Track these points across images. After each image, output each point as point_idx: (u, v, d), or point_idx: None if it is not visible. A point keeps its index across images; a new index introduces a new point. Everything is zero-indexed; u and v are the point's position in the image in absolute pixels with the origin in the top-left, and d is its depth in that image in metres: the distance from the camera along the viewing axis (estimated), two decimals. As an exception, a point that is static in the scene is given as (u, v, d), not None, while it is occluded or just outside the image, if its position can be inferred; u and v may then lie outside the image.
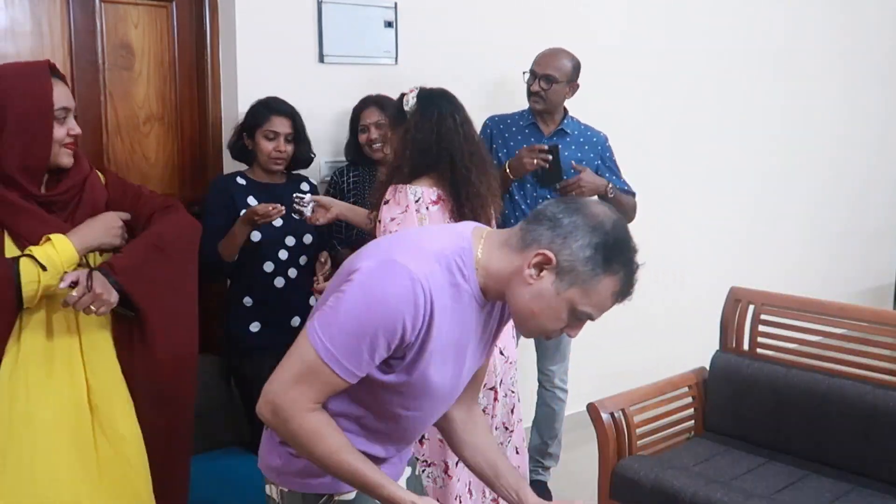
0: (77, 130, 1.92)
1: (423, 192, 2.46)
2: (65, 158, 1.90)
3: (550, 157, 3.07)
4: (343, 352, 1.41)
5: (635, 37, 4.17)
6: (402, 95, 2.55)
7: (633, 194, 3.40)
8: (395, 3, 3.29)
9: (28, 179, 1.85)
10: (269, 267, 2.81)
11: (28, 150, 1.83)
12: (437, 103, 2.50)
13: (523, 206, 3.23)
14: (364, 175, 3.08)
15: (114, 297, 1.92)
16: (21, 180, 1.84)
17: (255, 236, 2.75)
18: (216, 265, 2.75)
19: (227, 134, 3.04)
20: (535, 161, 3.06)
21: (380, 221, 2.47)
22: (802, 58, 5.09)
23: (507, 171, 3.12)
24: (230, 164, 3.03)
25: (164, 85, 2.98)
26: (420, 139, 2.47)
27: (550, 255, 1.42)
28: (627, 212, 3.28)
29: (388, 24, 3.29)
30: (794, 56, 5.03)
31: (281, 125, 2.79)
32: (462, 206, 2.46)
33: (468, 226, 1.57)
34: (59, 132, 1.87)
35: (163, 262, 2.05)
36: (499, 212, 2.66)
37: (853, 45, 5.40)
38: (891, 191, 5.94)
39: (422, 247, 1.48)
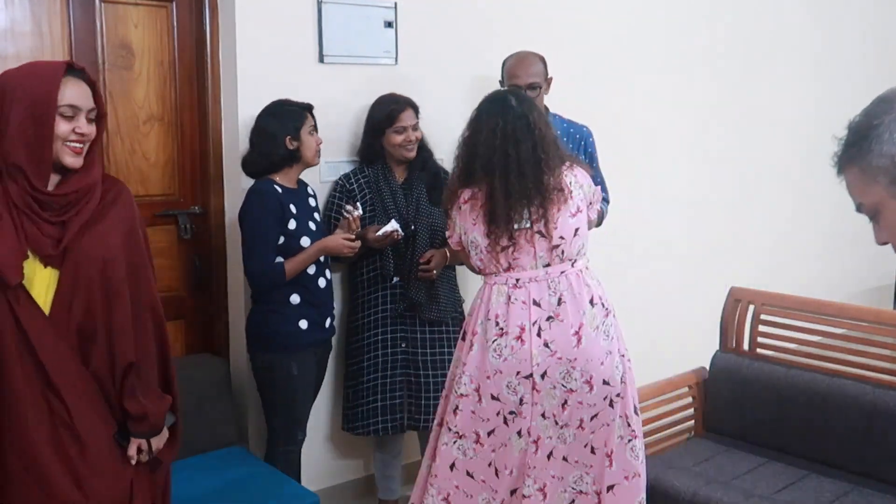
0: (84, 130, 1.87)
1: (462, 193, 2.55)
2: (68, 158, 1.86)
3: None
4: None
5: (632, 37, 4.18)
6: None
7: (607, 201, 3.35)
8: (395, 3, 3.29)
9: (34, 172, 1.83)
10: (311, 269, 2.84)
11: (31, 143, 1.82)
12: (482, 108, 2.52)
13: None
14: (374, 175, 3.10)
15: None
16: (28, 172, 1.83)
17: (304, 241, 2.79)
18: (279, 279, 2.75)
19: (227, 134, 3.05)
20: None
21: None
22: (812, 56, 5.09)
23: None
24: (230, 165, 3.04)
25: (164, 85, 2.98)
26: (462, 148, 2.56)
27: None
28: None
29: (388, 24, 3.29)
30: (805, 54, 5.04)
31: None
32: (494, 203, 2.46)
33: None
34: (62, 128, 1.84)
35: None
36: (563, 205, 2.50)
37: (876, 48, 5.40)
38: (891, 191, 5.94)
39: None
